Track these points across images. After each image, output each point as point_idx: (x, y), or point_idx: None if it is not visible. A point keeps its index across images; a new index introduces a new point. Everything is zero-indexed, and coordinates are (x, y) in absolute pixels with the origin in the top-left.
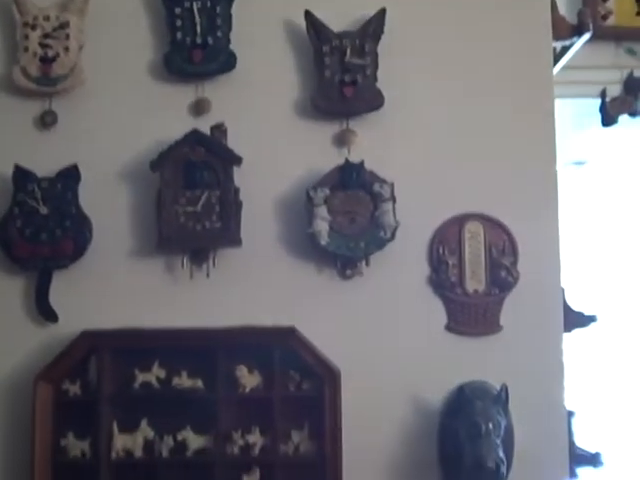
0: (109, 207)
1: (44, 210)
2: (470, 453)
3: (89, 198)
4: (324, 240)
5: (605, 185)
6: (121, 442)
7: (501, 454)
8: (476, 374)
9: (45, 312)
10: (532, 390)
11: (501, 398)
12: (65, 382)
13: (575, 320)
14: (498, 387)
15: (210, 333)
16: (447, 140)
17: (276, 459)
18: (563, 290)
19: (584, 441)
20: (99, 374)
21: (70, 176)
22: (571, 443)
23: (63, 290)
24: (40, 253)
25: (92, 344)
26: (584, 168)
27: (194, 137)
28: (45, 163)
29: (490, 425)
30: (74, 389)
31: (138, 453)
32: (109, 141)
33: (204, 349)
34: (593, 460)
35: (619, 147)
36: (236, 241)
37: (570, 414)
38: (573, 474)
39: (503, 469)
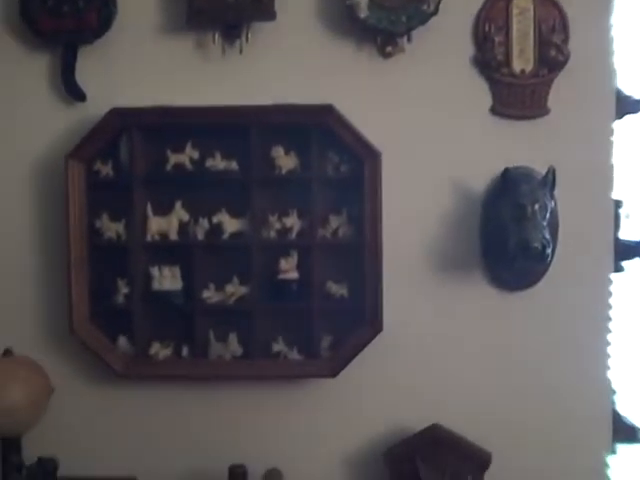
0: None
1: None
2: (515, 235)
3: None
4: (363, 13)
5: None
6: (156, 224)
7: (547, 235)
8: (522, 159)
9: (72, 90)
10: (579, 176)
11: (548, 180)
12: (96, 162)
13: (627, 105)
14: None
15: (244, 111)
16: None
17: (314, 243)
18: (615, 72)
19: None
20: (131, 154)
21: None
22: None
23: (90, 68)
24: (63, 27)
25: (122, 122)
26: None
27: None
28: None
29: (536, 207)
30: (106, 170)
31: (173, 236)
32: None
33: (238, 128)
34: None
35: None
36: (270, 14)
37: (617, 203)
38: (619, 268)
39: (548, 250)
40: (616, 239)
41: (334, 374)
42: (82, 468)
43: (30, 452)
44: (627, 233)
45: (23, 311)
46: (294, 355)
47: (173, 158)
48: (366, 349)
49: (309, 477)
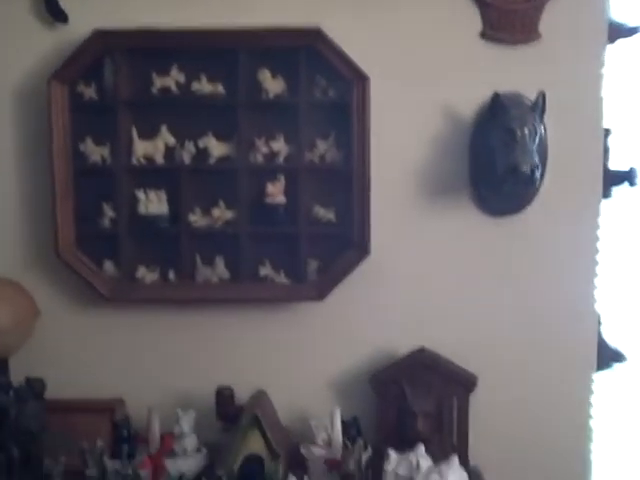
0: None
1: None
2: (504, 159)
3: None
4: None
5: None
6: (141, 148)
7: (536, 160)
8: (512, 84)
9: (54, 11)
10: (570, 102)
11: (537, 105)
12: (79, 84)
13: (619, 32)
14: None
15: (230, 34)
16: None
17: (301, 167)
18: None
19: (618, 161)
20: (115, 77)
21: None
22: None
23: None
24: None
25: (105, 44)
26: None
27: None
28: None
29: (525, 131)
30: (89, 92)
31: (159, 160)
32: None
33: (224, 51)
34: (628, 177)
35: None
36: None
37: (607, 132)
38: (608, 194)
39: (537, 174)
40: (605, 167)
41: (321, 297)
42: (69, 390)
43: (17, 375)
44: (616, 161)
45: (8, 235)
46: (281, 279)
47: (158, 81)
48: (353, 273)
49: (296, 399)
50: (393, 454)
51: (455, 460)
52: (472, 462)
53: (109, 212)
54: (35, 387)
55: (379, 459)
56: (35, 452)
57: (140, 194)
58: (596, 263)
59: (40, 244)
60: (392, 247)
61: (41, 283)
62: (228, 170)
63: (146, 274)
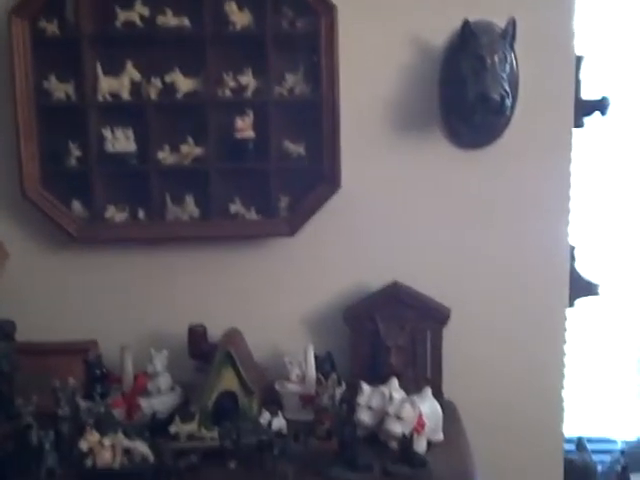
0: None
1: None
2: (474, 87)
3: None
4: None
5: None
6: (106, 84)
7: (506, 87)
8: (482, 13)
9: None
10: (540, 30)
11: (508, 33)
12: (41, 20)
13: None
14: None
15: None
16: None
17: (270, 101)
18: None
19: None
20: (76, 11)
21: None
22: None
23: None
24: None
25: None
26: None
27: None
28: None
29: (495, 58)
30: (52, 28)
31: (125, 96)
32: None
33: None
34: (600, 107)
35: None
36: None
37: (579, 60)
38: (580, 124)
39: (508, 102)
40: (577, 96)
41: (292, 232)
42: (41, 333)
43: None
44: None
45: None
46: (252, 215)
47: (122, 15)
48: (324, 207)
49: (269, 337)
50: (366, 386)
51: (428, 391)
52: (446, 396)
53: (75, 151)
54: (5, 328)
55: (353, 394)
56: (7, 392)
57: (107, 132)
58: (569, 197)
59: (6, 185)
60: (363, 181)
61: (9, 225)
62: (196, 105)
63: (115, 213)
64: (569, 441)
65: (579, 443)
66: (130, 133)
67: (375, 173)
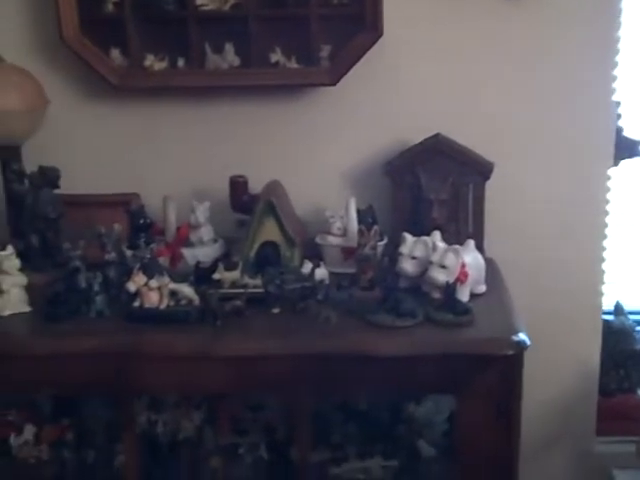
0: None
1: None
2: None
3: None
4: None
5: None
6: None
7: None
8: None
9: None
10: None
11: None
12: None
13: None
14: None
15: None
16: None
17: None
18: None
19: None
20: None
21: None
22: None
23: None
24: None
25: None
26: None
27: None
28: None
29: None
30: None
31: None
32: None
33: None
34: None
35: None
36: None
37: None
38: None
39: None
40: None
41: (334, 82)
42: (82, 184)
43: (30, 166)
44: None
45: (12, 22)
46: (292, 65)
47: None
48: (367, 57)
49: (309, 189)
50: (409, 236)
51: (471, 243)
52: (487, 254)
53: None
54: (49, 175)
55: (394, 247)
56: (53, 239)
57: None
58: (617, 49)
59: (45, 30)
60: (408, 30)
61: (49, 72)
62: None
63: (154, 62)
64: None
65: (617, 307)
66: None
67: (420, 21)
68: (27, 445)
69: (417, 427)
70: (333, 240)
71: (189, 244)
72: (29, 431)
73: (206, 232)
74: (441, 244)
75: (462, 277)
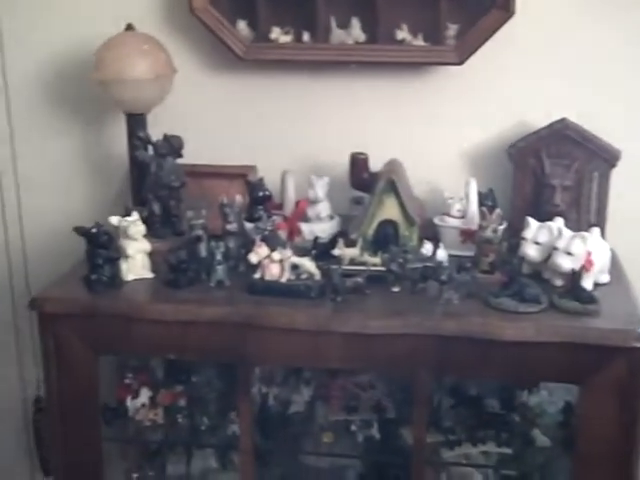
0: None
1: None
2: None
3: None
4: None
5: None
6: None
7: None
8: None
9: None
10: None
11: None
12: None
13: None
14: None
15: None
16: None
17: None
18: None
19: None
20: None
21: None
22: None
23: None
24: None
25: None
26: None
27: None
28: None
29: None
30: None
31: None
32: None
33: None
34: None
35: None
36: None
37: None
38: None
39: None
40: None
41: (461, 61)
42: (199, 156)
43: (154, 134)
44: None
45: None
46: (419, 42)
47: None
48: (495, 36)
49: (430, 169)
50: (533, 221)
51: (596, 231)
52: (609, 244)
53: None
54: (173, 143)
55: (514, 232)
56: (174, 207)
57: None
58: None
59: (176, 1)
60: (537, 9)
61: (177, 42)
62: None
63: (280, 35)
64: None
65: None
66: None
67: (553, 2)
68: (143, 408)
69: (531, 416)
70: (452, 221)
71: (306, 219)
72: (145, 395)
73: (324, 208)
74: (567, 231)
75: (588, 265)
